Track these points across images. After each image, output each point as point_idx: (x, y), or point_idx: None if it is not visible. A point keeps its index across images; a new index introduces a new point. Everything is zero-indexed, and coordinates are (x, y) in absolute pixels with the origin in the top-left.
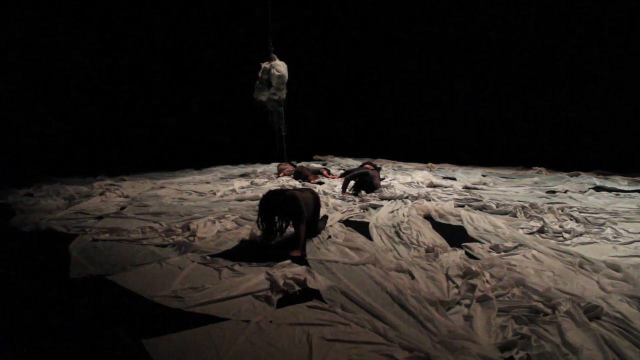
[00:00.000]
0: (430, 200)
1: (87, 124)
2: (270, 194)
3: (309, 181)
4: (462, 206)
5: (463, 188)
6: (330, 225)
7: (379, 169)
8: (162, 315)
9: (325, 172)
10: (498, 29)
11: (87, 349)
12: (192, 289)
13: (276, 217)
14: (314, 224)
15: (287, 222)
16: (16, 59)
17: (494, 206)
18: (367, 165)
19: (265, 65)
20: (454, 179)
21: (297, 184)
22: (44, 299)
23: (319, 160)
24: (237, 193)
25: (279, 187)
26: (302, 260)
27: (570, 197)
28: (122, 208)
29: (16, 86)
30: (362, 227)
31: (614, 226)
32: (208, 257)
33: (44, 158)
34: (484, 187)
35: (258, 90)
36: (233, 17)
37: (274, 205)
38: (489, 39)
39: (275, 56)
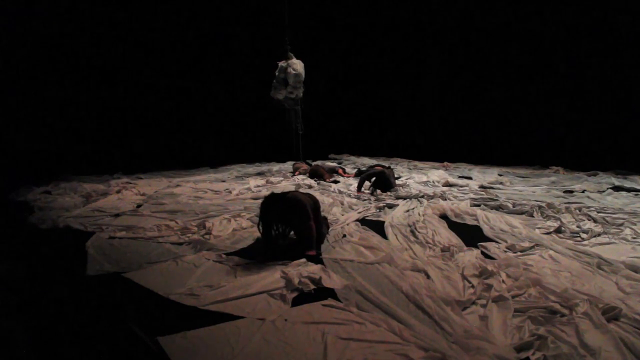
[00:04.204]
0: (446, 200)
1: (104, 122)
2: (272, 198)
3: (325, 180)
4: (478, 205)
5: (479, 187)
6: (347, 224)
7: (389, 169)
8: (178, 313)
9: (340, 171)
10: (518, 26)
11: (103, 345)
12: (207, 287)
13: (277, 224)
14: (318, 228)
15: (290, 228)
16: (32, 57)
17: (510, 206)
18: (377, 167)
19: (282, 63)
20: (470, 178)
21: (312, 182)
22: (61, 296)
23: (335, 158)
24: (253, 192)
25: (279, 191)
26: (317, 259)
27: (588, 197)
28: (139, 206)
29: (33, 85)
30: (378, 226)
31: (633, 226)
32: (223, 255)
33: (61, 156)
34: (501, 186)
35: (275, 88)
36: (251, 14)
37: (276, 210)
38: (507, 37)
39: (292, 55)
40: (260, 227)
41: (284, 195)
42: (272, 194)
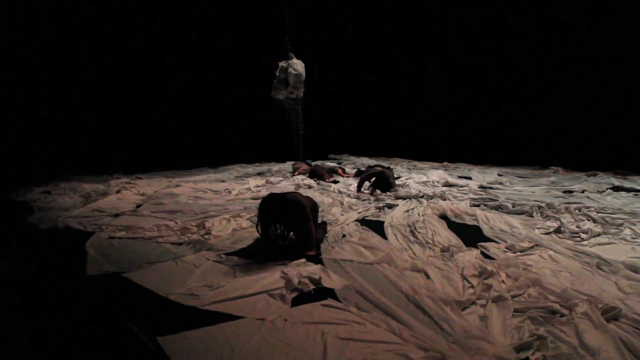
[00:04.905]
0: (445, 200)
1: (104, 122)
2: (271, 198)
3: (324, 180)
4: (478, 206)
5: (479, 187)
6: (347, 224)
7: (389, 169)
8: (178, 313)
9: (340, 171)
10: (518, 26)
11: (103, 345)
12: (207, 287)
13: (277, 224)
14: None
15: (289, 229)
16: (33, 58)
17: (510, 206)
18: (377, 167)
19: (282, 63)
20: (470, 178)
21: (312, 182)
22: (61, 296)
23: (334, 159)
24: (252, 192)
25: (278, 192)
26: (317, 259)
27: (588, 197)
28: (138, 206)
29: (34, 85)
30: (377, 226)
31: (632, 227)
32: (223, 255)
33: (61, 156)
34: (500, 186)
35: (276, 89)
36: (251, 15)
37: (275, 210)
38: (506, 37)
39: (292, 55)
40: (259, 228)
41: (283, 195)
42: (271, 195)
